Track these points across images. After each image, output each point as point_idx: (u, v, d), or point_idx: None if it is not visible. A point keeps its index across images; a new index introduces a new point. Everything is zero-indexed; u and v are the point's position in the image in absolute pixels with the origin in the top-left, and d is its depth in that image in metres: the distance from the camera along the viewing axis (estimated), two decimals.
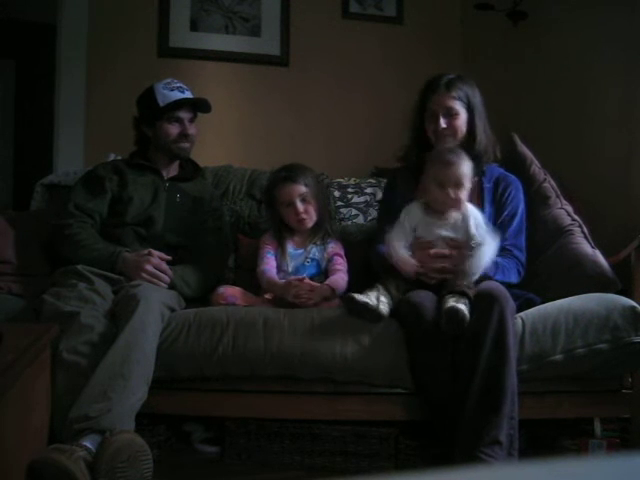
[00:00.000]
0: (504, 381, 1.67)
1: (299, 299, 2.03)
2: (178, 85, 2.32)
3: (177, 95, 2.29)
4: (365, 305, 1.83)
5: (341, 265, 2.21)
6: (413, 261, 1.89)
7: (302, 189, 2.19)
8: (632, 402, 1.90)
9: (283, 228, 2.25)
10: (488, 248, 1.89)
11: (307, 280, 2.09)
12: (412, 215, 1.99)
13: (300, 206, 2.18)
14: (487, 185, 2.11)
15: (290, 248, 2.23)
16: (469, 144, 2.07)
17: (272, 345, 1.85)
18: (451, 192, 1.93)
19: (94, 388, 1.63)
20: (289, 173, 2.21)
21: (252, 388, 1.91)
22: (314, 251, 2.24)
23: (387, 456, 1.93)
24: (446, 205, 1.95)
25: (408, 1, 3.60)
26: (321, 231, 2.26)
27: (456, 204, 1.94)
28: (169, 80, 2.34)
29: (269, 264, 2.19)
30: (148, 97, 2.31)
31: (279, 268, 2.21)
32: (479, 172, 2.13)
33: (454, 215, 1.96)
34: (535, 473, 0.48)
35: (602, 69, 2.69)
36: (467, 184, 1.96)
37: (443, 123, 2.07)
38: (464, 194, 1.96)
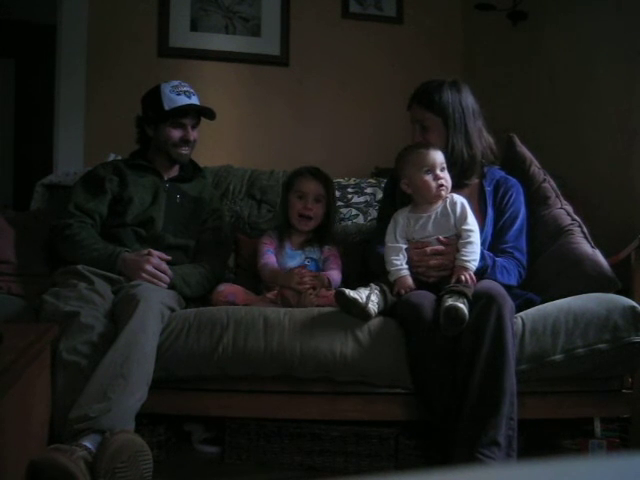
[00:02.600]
0: (503, 381, 1.66)
1: (303, 285, 2.07)
2: (185, 89, 2.30)
3: (183, 100, 2.27)
4: (354, 301, 1.84)
5: (335, 264, 2.25)
6: (409, 282, 1.91)
7: (321, 189, 2.27)
8: (632, 402, 1.90)
9: (285, 226, 2.31)
10: (478, 235, 1.92)
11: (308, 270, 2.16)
12: (399, 223, 1.99)
13: (311, 203, 2.25)
14: (488, 188, 2.11)
15: (287, 249, 2.28)
16: (449, 154, 2.05)
17: (272, 345, 1.85)
18: (438, 174, 1.94)
19: (94, 388, 1.63)
20: (317, 171, 2.32)
21: (252, 388, 1.91)
22: (312, 252, 2.28)
23: (387, 456, 1.93)
24: (434, 190, 1.95)
25: (408, 1, 3.60)
26: (321, 238, 2.30)
27: (444, 188, 1.95)
28: (177, 83, 2.31)
29: (270, 259, 2.23)
30: (154, 98, 2.29)
31: (279, 266, 2.23)
32: (479, 175, 2.13)
33: (439, 207, 1.97)
34: (535, 473, 0.48)
35: (601, 69, 2.69)
36: (446, 171, 1.98)
37: (418, 135, 2.10)
38: (448, 179, 1.97)
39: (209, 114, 2.36)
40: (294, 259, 2.25)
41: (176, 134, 2.29)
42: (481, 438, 1.63)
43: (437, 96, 2.07)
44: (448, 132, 2.06)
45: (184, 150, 2.32)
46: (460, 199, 1.97)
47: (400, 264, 1.94)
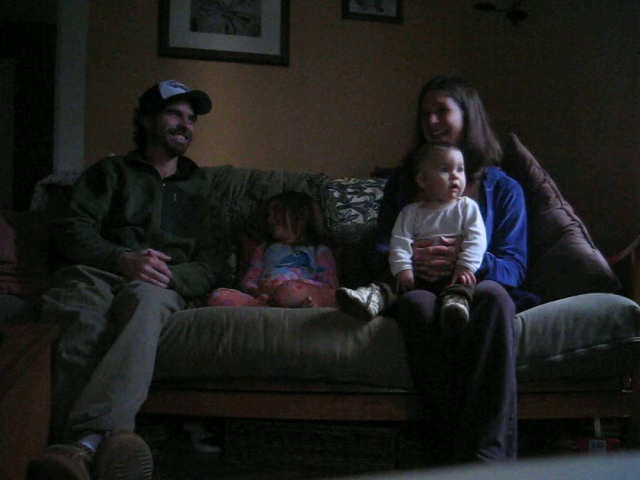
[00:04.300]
0: (503, 382, 1.66)
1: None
2: (181, 84, 2.42)
3: (180, 91, 2.39)
4: (355, 301, 1.84)
5: (328, 269, 2.35)
6: (410, 276, 1.92)
7: (274, 203, 2.49)
8: (632, 402, 1.90)
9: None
10: (485, 239, 1.93)
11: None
12: (408, 216, 2.00)
13: (272, 217, 2.47)
14: (488, 189, 2.11)
15: (277, 244, 2.42)
16: (464, 145, 2.08)
17: (272, 345, 1.85)
18: (455, 173, 1.97)
19: (94, 388, 1.63)
20: (286, 193, 2.58)
21: (252, 388, 1.91)
22: (302, 247, 2.39)
23: (387, 456, 1.93)
24: (447, 189, 1.97)
25: (408, 1, 3.60)
26: (313, 239, 2.43)
27: (456, 189, 1.97)
28: (173, 80, 2.44)
29: (251, 278, 2.35)
30: (152, 92, 2.40)
31: (268, 262, 2.36)
32: (480, 175, 2.13)
33: (450, 206, 1.97)
34: (535, 473, 0.48)
35: (602, 69, 2.69)
36: (462, 172, 2.00)
37: (435, 119, 2.10)
38: (463, 180, 1.99)
39: (204, 105, 2.43)
40: (282, 252, 2.36)
41: (173, 121, 2.37)
42: (481, 438, 1.63)
43: (458, 85, 2.12)
44: (468, 119, 2.10)
45: (180, 139, 2.38)
46: (472, 203, 1.98)
47: (404, 258, 1.94)
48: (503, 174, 2.18)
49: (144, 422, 1.86)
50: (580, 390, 1.90)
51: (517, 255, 2.03)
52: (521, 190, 2.14)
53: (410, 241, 1.98)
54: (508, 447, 1.65)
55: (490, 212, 2.07)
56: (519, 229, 2.07)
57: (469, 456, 1.63)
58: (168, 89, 2.38)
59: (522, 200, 2.12)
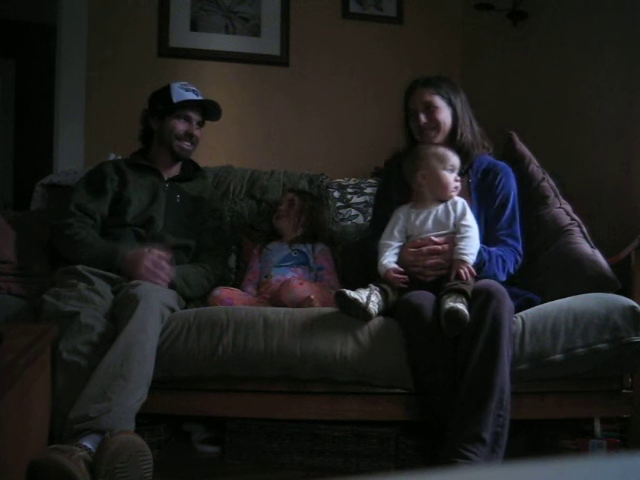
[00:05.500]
0: (492, 378, 1.65)
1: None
2: (193, 89, 2.39)
3: (192, 96, 2.35)
4: (355, 302, 1.83)
5: (327, 267, 2.36)
6: (394, 274, 1.93)
7: (292, 196, 2.48)
8: (632, 402, 1.90)
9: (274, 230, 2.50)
10: (477, 231, 1.94)
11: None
12: (400, 219, 2.01)
13: (283, 208, 2.46)
14: (472, 179, 2.11)
15: (275, 244, 2.41)
16: (453, 141, 2.08)
17: (272, 345, 1.85)
18: (456, 176, 2.00)
19: (94, 388, 1.63)
20: (298, 190, 2.58)
21: (252, 388, 1.91)
22: (300, 246, 2.38)
23: (387, 456, 1.93)
24: (450, 188, 1.99)
25: (408, 1, 3.60)
26: (311, 237, 2.42)
27: (456, 190, 2.00)
28: (186, 82, 2.40)
29: (250, 281, 2.34)
30: (163, 92, 2.36)
31: (266, 262, 2.35)
32: (465, 169, 2.12)
33: (440, 205, 1.99)
34: (535, 473, 0.48)
35: (602, 69, 2.69)
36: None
37: (423, 118, 2.10)
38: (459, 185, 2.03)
39: (214, 113, 2.40)
40: (280, 252, 2.36)
41: (181, 127, 2.34)
42: (465, 433, 1.62)
43: (442, 82, 2.13)
44: (456, 116, 2.10)
45: (186, 145, 2.36)
46: (460, 199, 1.99)
47: (384, 260, 1.96)
48: (491, 159, 2.17)
49: (144, 422, 1.86)
50: (580, 390, 1.90)
51: (510, 240, 2.02)
52: (510, 172, 2.13)
53: (397, 244, 1.99)
54: (494, 444, 1.62)
55: (475, 203, 2.06)
56: (510, 213, 2.06)
57: (452, 451, 1.61)
58: (180, 93, 2.33)
59: (512, 182, 2.11)
